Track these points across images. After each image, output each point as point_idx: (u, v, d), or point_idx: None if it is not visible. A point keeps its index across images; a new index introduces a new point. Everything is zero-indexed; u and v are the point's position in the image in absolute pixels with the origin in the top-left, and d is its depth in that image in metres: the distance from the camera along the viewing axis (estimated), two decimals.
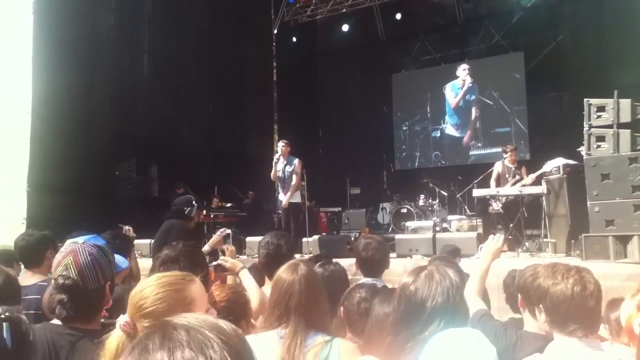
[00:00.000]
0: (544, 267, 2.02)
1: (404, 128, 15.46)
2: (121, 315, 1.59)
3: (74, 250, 1.91)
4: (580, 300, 1.85)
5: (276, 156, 8.06)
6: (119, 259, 2.49)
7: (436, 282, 1.76)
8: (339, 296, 2.65)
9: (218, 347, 0.79)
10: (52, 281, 1.93)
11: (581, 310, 1.85)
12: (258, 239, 7.67)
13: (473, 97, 14.33)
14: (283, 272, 2.18)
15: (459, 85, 14.51)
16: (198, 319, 0.85)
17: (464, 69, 14.39)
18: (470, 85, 14.33)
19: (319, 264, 2.98)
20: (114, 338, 1.52)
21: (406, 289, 1.80)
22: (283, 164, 8.00)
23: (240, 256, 6.82)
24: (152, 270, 2.48)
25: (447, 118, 14.74)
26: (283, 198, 8.02)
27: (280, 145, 8.13)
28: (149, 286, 1.67)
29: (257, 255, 7.04)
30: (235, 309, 2.39)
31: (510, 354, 2.10)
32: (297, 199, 8.03)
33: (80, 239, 2.02)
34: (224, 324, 0.86)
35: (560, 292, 1.87)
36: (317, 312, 2.10)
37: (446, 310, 1.72)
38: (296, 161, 8.04)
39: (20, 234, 3.64)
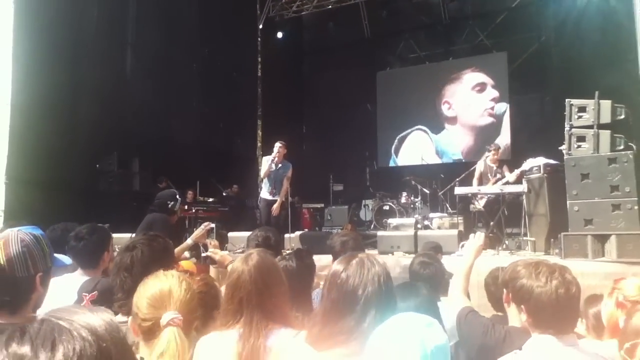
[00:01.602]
0: (525, 267, 2.00)
1: (388, 126, 15.48)
2: (169, 313, 1.62)
3: (5, 236, 1.83)
4: (565, 302, 1.85)
5: (272, 156, 7.76)
6: (64, 257, 2.43)
7: (367, 269, 1.74)
8: (305, 291, 2.64)
9: (73, 342, 0.77)
10: None
11: (564, 312, 1.86)
12: (240, 234, 7.73)
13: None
14: (237, 261, 2.12)
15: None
16: (71, 311, 0.83)
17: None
18: None
19: (280, 257, 2.89)
20: (169, 336, 1.56)
21: (337, 277, 1.76)
22: (277, 165, 7.79)
23: (222, 251, 6.79)
24: (117, 262, 2.45)
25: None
26: (266, 195, 7.88)
27: (278, 146, 7.82)
28: (174, 281, 1.72)
29: (238, 250, 7.07)
30: (207, 299, 2.36)
31: (500, 350, 2.11)
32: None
33: (16, 228, 1.90)
34: (101, 319, 0.84)
35: (546, 295, 1.86)
36: (272, 304, 2.02)
37: (379, 299, 1.70)
38: (290, 167, 7.89)
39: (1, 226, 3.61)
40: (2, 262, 1.77)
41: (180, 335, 1.55)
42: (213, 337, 2.03)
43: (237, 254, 6.41)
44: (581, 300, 2.20)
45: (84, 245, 2.88)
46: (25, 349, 0.75)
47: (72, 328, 0.79)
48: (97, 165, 9.42)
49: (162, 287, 1.70)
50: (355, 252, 1.87)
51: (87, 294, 2.43)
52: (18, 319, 1.77)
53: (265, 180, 7.89)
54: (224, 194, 11.78)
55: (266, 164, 7.83)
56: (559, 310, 1.85)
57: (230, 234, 7.79)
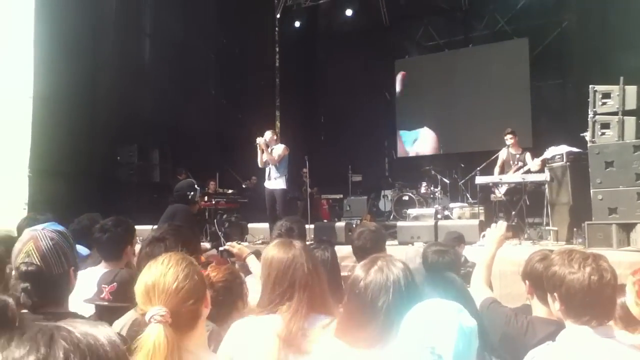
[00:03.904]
0: (559, 255, 1.98)
1: (407, 115, 15.37)
2: (153, 309, 1.51)
3: (34, 236, 1.86)
4: (597, 289, 1.82)
5: (259, 140, 7.75)
6: (82, 248, 2.47)
7: (386, 276, 1.72)
8: (337, 280, 2.64)
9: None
10: (13, 270, 1.87)
11: (597, 300, 1.83)
12: (260, 225, 7.74)
13: None
14: (277, 251, 2.06)
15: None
16: (74, 324, 0.83)
17: None
18: None
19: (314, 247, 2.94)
20: (152, 333, 1.46)
21: (356, 286, 1.75)
22: (270, 150, 7.74)
23: (242, 242, 6.82)
24: (139, 252, 2.46)
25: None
26: (268, 184, 7.82)
27: (267, 133, 7.84)
28: (168, 269, 1.59)
29: (258, 242, 7.09)
30: (232, 288, 2.39)
31: (522, 339, 2.09)
32: (281, 185, 7.74)
33: (39, 227, 1.95)
34: (107, 338, 0.84)
35: (577, 281, 1.84)
36: (320, 290, 2.02)
37: (402, 303, 1.65)
38: (282, 145, 7.82)
39: (24, 218, 3.65)
40: (38, 263, 1.81)
41: (165, 333, 1.45)
42: (250, 320, 2.01)
43: (257, 245, 6.45)
44: None
45: (109, 238, 2.90)
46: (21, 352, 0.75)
47: (76, 340, 0.79)
48: (119, 158, 9.50)
49: (148, 278, 1.59)
50: (376, 256, 1.84)
51: (106, 286, 2.44)
52: (63, 309, 1.89)
53: (266, 169, 7.85)
54: (243, 186, 11.81)
55: (259, 154, 7.80)
56: (590, 297, 1.82)
57: (250, 225, 7.81)
